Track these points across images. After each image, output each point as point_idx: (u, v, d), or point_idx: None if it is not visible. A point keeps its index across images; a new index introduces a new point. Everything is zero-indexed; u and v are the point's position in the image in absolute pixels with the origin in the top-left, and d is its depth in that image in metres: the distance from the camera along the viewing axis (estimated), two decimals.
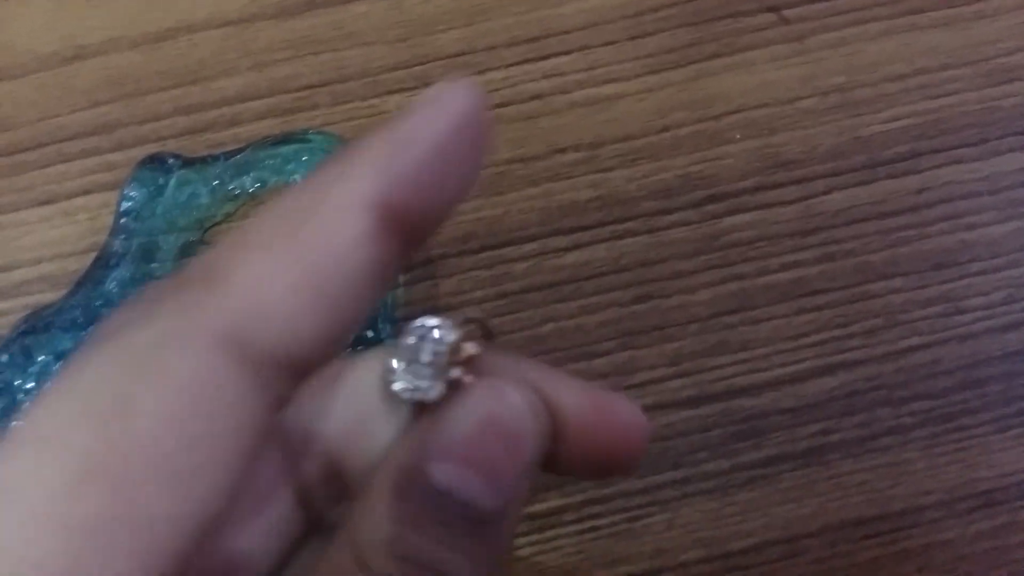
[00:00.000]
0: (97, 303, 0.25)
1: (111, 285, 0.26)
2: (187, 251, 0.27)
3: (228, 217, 0.27)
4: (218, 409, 0.11)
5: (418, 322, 0.14)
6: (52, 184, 0.28)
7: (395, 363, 0.14)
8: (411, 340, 0.14)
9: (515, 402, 0.13)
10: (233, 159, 0.27)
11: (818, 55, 0.29)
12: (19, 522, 0.10)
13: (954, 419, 0.24)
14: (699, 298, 0.26)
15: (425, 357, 0.14)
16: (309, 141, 0.27)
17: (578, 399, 0.14)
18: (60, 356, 0.25)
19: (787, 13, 0.30)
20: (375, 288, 0.13)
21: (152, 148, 0.28)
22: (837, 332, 0.25)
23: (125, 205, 0.27)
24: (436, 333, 0.14)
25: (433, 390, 0.14)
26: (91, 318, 0.25)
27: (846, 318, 0.26)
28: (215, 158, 0.27)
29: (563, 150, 0.28)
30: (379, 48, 0.30)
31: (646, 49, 0.29)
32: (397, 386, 0.14)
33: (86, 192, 0.28)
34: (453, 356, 0.14)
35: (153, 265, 0.26)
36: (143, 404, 0.11)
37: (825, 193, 0.27)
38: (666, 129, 0.28)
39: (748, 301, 0.26)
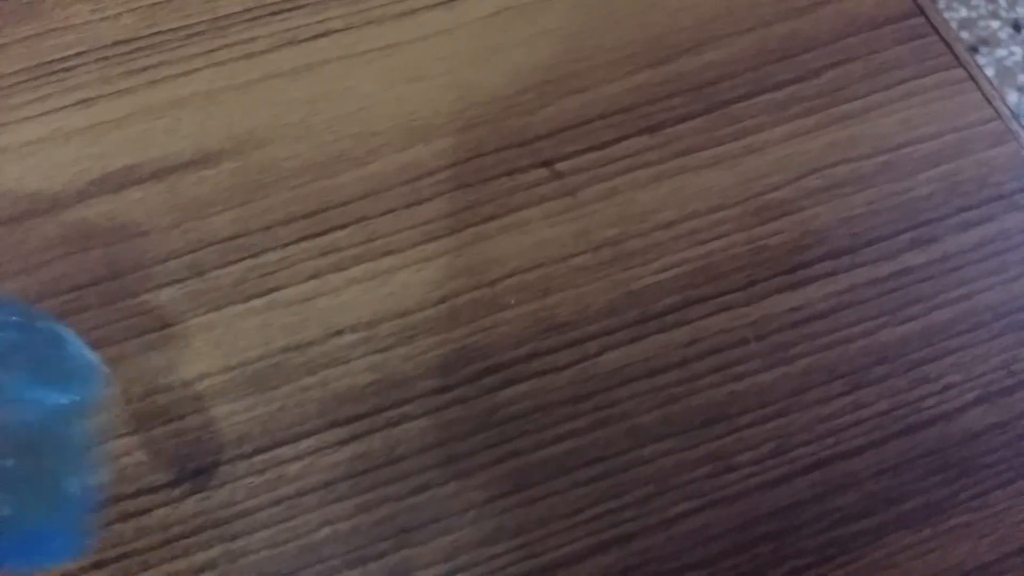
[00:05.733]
0: None
1: None
2: None
3: None
4: None
5: None
6: None
7: None
8: None
9: None
10: None
11: (591, 208, 0.29)
12: None
13: None
14: (476, 481, 0.26)
15: None
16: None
17: None
18: None
19: (559, 167, 0.30)
20: None
21: None
22: (612, 504, 0.26)
23: None
24: None
25: None
26: None
27: (620, 487, 0.26)
28: None
29: (340, 332, 0.28)
30: (153, 237, 0.29)
31: (423, 215, 0.29)
32: None
33: None
34: None
35: None
36: None
37: (597, 355, 0.27)
38: (443, 300, 0.28)
39: (524, 479, 0.26)
